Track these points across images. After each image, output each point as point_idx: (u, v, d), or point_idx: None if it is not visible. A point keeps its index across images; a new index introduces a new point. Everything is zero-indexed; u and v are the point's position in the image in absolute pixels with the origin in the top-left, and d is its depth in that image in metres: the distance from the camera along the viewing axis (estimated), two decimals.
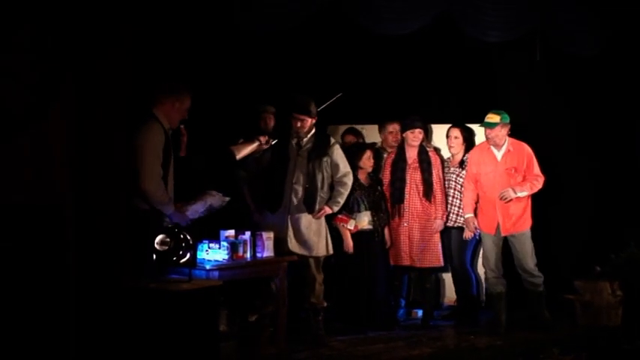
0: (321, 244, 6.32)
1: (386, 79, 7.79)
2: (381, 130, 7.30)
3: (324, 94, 6.65)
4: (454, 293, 7.26)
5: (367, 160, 6.82)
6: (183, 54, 6.39)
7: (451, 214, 7.01)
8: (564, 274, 7.00)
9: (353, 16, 6.48)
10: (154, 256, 5.04)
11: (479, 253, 7.17)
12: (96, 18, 4.96)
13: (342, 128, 7.45)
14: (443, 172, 7.05)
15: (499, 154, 6.69)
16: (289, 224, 6.23)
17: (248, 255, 5.65)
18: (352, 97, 7.71)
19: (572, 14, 7.07)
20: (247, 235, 5.69)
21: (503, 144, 6.67)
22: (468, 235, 6.87)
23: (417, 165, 6.98)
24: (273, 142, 6.29)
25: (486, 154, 6.74)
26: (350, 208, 6.72)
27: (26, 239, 4.65)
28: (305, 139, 6.33)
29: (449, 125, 7.22)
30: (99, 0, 4.98)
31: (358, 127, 7.39)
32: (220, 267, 5.39)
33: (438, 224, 6.94)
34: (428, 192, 6.92)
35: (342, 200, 6.39)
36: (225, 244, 5.51)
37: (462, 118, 7.29)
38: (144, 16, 5.38)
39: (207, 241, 5.53)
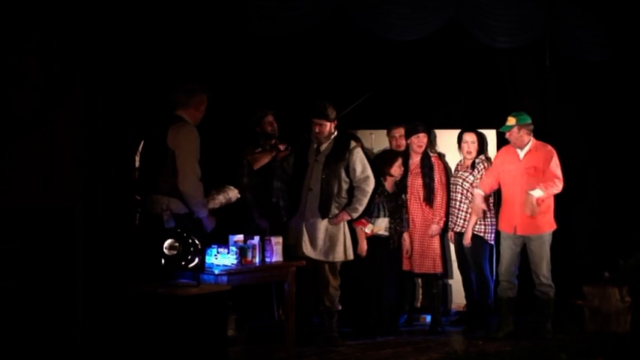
0: (338, 250, 6.31)
1: (393, 84, 7.80)
2: (388, 134, 7.32)
3: (329, 98, 6.67)
4: (462, 299, 7.24)
5: (398, 168, 6.83)
6: (191, 57, 6.44)
7: (458, 219, 6.99)
8: (573, 279, 6.98)
9: (359, 22, 6.52)
10: (163, 261, 5.09)
11: (493, 260, 7.15)
12: (105, 21, 5.03)
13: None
14: (446, 177, 7.04)
15: (521, 153, 6.71)
16: (304, 229, 6.26)
17: (257, 260, 5.65)
18: (360, 102, 7.76)
19: (580, 20, 7.08)
20: (256, 239, 5.69)
21: (526, 145, 6.69)
22: (478, 207, 6.74)
23: (419, 171, 6.99)
24: (290, 149, 6.29)
25: (511, 153, 6.77)
26: (370, 213, 6.73)
27: (35, 241, 4.71)
28: (325, 144, 6.35)
29: (456, 131, 7.19)
30: (107, 3, 5.05)
31: (367, 131, 7.38)
32: (229, 272, 5.39)
33: (434, 229, 6.92)
34: (429, 197, 6.92)
35: (360, 207, 6.36)
36: (234, 248, 5.51)
37: (469, 123, 7.28)
38: (153, 18, 5.45)
39: (215, 246, 5.54)
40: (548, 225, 6.67)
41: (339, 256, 6.34)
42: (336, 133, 6.41)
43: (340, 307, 6.46)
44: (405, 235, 6.92)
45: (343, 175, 6.33)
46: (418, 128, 7.01)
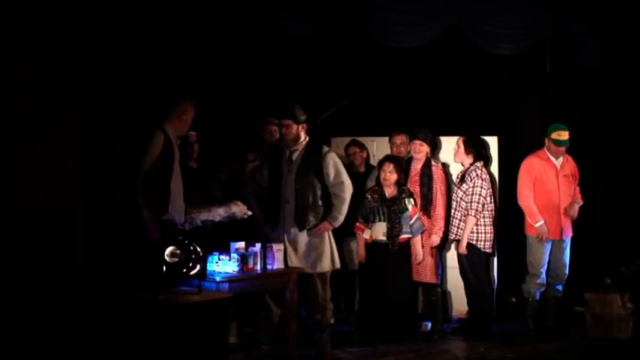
0: (324, 260, 6.15)
1: (395, 91, 7.77)
2: (389, 141, 7.24)
3: (331, 104, 6.62)
4: (464, 306, 7.17)
5: (388, 173, 6.68)
6: (191, 64, 6.38)
7: (452, 227, 6.90)
8: (575, 286, 6.96)
9: (360, 28, 6.47)
10: (164, 268, 5.02)
11: (492, 267, 7.14)
12: (105, 22, 4.98)
13: (348, 140, 7.39)
14: (447, 187, 6.95)
15: (558, 163, 6.86)
16: (286, 241, 6.09)
17: (258, 267, 5.60)
18: (361, 109, 7.71)
19: (582, 26, 7.06)
20: (257, 247, 5.64)
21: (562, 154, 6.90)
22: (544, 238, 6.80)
23: (418, 178, 6.90)
24: (260, 159, 6.12)
25: (546, 162, 6.86)
26: (366, 217, 6.68)
27: (35, 246, 4.64)
28: (296, 152, 6.16)
29: (454, 138, 7.16)
30: (107, 4, 5.00)
31: (369, 139, 7.30)
32: (230, 279, 5.35)
33: (433, 239, 6.83)
34: (425, 207, 6.81)
35: (340, 215, 6.14)
36: (235, 255, 5.45)
37: (470, 129, 7.23)
38: (153, 19, 5.43)
39: (217, 253, 5.48)
40: None
41: (325, 266, 6.17)
42: (307, 139, 6.21)
43: (332, 321, 6.34)
44: (414, 241, 6.76)
45: (317, 182, 6.13)
46: (416, 135, 6.92)
